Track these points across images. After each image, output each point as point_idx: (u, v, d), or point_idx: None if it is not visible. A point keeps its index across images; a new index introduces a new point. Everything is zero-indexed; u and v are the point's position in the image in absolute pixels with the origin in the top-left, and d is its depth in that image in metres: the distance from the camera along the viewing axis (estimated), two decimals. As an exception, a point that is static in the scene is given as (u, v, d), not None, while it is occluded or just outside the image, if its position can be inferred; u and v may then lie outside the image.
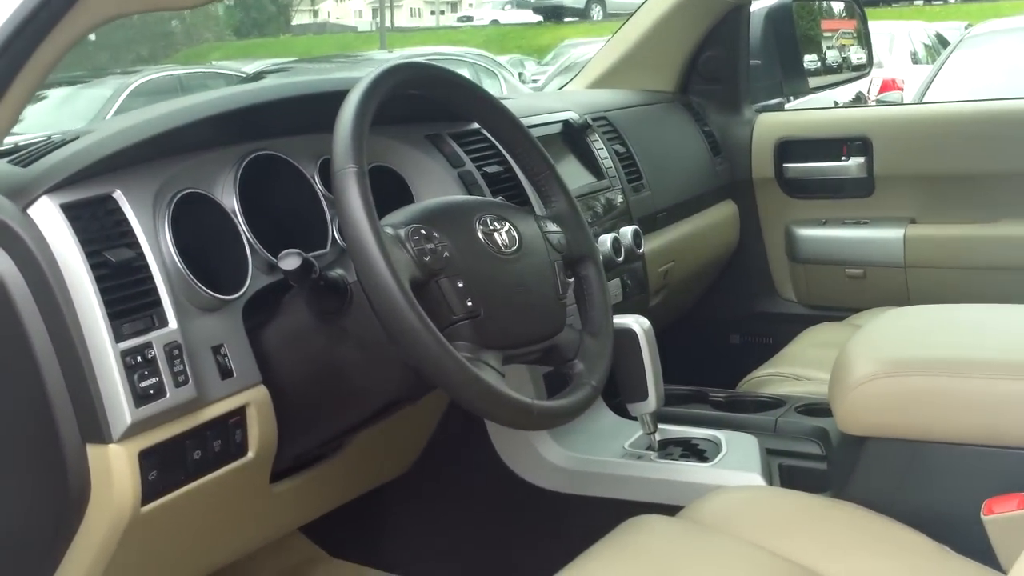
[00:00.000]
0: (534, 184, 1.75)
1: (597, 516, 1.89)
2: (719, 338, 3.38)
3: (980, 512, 1.67)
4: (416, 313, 1.34)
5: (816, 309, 3.23)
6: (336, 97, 1.75)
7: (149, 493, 1.40)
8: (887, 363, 1.81)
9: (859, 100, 8.08)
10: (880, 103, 8.03)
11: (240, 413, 1.52)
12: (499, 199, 1.89)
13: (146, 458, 1.38)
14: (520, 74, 14.98)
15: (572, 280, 1.72)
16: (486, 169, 2.05)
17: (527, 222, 1.64)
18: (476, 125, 2.12)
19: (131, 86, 9.91)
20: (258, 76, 11.42)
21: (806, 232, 3.19)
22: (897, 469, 1.81)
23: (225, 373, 1.50)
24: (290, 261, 1.42)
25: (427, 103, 1.72)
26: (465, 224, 1.54)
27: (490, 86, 10.32)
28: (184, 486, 1.45)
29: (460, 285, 1.46)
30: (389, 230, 1.43)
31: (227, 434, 1.50)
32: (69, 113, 9.08)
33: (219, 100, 1.63)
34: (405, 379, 1.56)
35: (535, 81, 15.05)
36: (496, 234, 1.56)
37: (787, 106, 3.55)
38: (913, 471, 1.80)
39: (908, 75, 10.30)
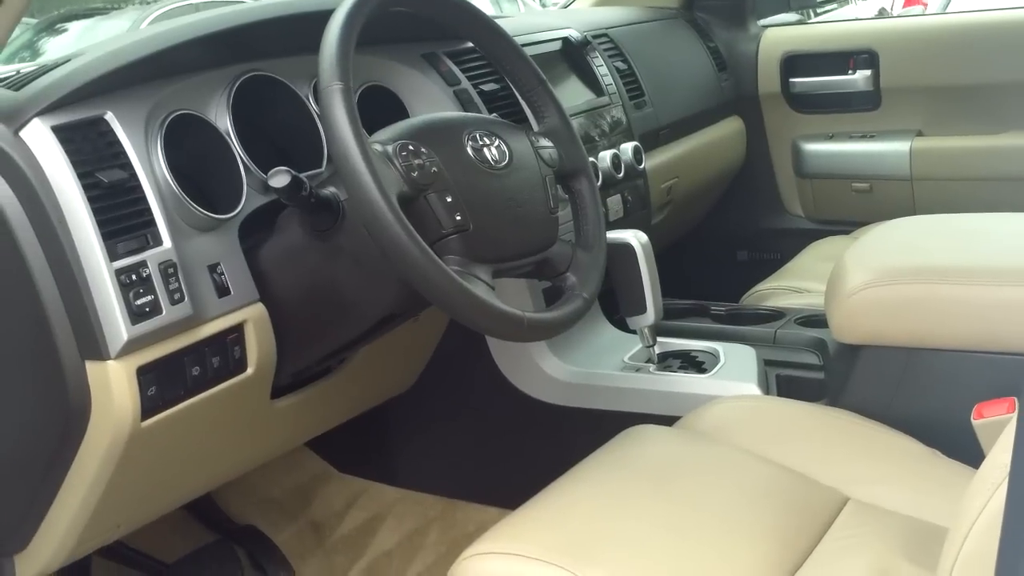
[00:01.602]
0: (526, 99, 1.76)
1: (597, 428, 1.92)
2: (727, 254, 3.39)
3: (970, 416, 1.69)
4: (403, 227, 1.36)
5: (823, 224, 3.23)
6: (323, 16, 1.76)
7: (149, 408, 1.43)
8: (880, 272, 1.82)
9: (881, 15, 7.97)
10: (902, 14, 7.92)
11: (239, 330, 1.55)
12: (492, 116, 1.90)
13: (144, 374, 1.41)
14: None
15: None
16: (482, 87, 2.05)
17: (518, 137, 1.65)
18: (470, 44, 2.12)
19: (149, 17, 9.83)
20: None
21: (812, 147, 3.18)
22: (890, 376, 1.83)
23: (222, 291, 1.52)
24: (279, 179, 1.43)
25: (422, 22, 1.72)
26: (454, 140, 1.55)
27: (509, 9, 10.23)
28: (183, 401, 1.49)
29: (449, 199, 1.47)
30: (377, 146, 1.44)
31: (226, 351, 1.53)
32: (89, 45, 9.03)
33: (210, 20, 1.64)
34: (400, 293, 1.59)
35: (555, 4, 14.80)
36: (486, 149, 1.57)
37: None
38: (906, 378, 1.82)
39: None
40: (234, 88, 1.63)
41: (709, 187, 3.13)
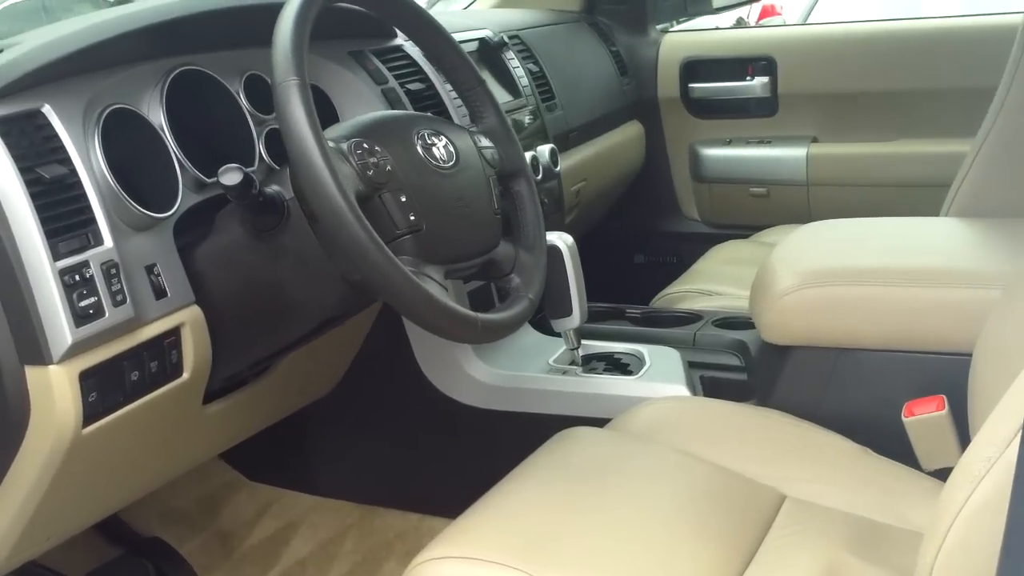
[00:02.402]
0: (465, 100, 1.74)
1: (526, 431, 1.91)
2: (624, 258, 3.42)
3: (901, 415, 1.73)
4: (364, 227, 1.33)
5: (720, 228, 3.28)
6: (261, 11, 1.72)
7: (89, 415, 1.37)
8: (809, 274, 1.86)
9: (739, 25, 8.14)
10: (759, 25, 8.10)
11: (175, 333, 1.49)
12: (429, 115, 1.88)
13: (86, 379, 1.35)
14: None
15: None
16: (408, 86, 2.03)
17: (462, 137, 1.63)
18: (398, 41, 2.10)
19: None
20: (125, -3, 10.96)
21: (711, 151, 3.23)
22: (820, 376, 1.87)
23: (159, 293, 1.47)
24: (231, 176, 1.39)
25: (348, 18, 1.69)
26: (405, 138, 1.53)
27: None
28: (123, 407, 1.43)
29: (403, 199, 1.45)
30: (331, 144, 1.41)
31: (163, 355, 1.48)
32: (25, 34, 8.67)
33: (145, 12, 1.58)
34: (343, 295, 1.56)
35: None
36: (434, 148, 1.55)
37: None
38: (835, 377, 1.86)
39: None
40: (167, 82, 1.58)
41: (611, 190, 3.16)
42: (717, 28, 3.79)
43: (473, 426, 2.11)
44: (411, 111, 1.89)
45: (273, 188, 1.48)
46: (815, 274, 1.85)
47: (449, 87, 2.13)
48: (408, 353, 2.12)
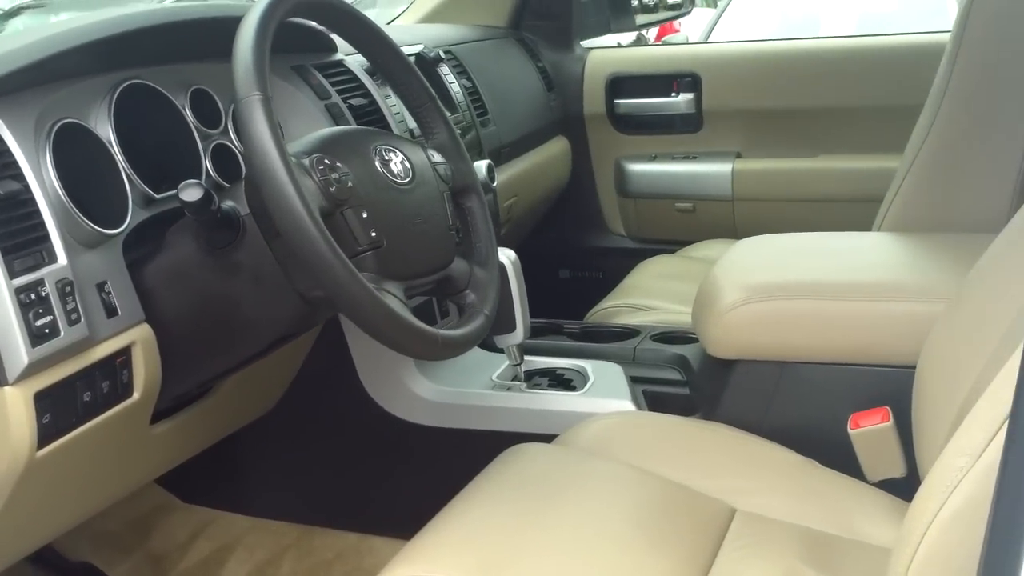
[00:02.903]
0: (415, 115, 1.74)
1: (470, 448, 1.91)
2: (549, 273, 3.43)
3: (846, 427, 1.76)
4: (328, 243, 1.31)
5: (645, 243, 3.31)
6: (206, 25, 1.69)
7: (43, 437, 1.33)
8: (754, 289, 1.88)
9: (640, 42, 8.25)
10: (666, 42, 8.22)
11: (126, 352, 1.46)
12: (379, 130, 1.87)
13: (40, 400, 1.31)
14: None
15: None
16: (351, 101, 2.01)
17: (416, 152, 1.63)
18: (339, 56, 2.08)
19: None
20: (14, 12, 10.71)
21: (636, 167, 3.26)
22: (765, 389, 1.89)
23: (110, 311, 1.43)
24: (192, 192, 1.37)
25: (290, 33, 1.68)
26: (364, 153, 1.52)
27: None
28: (76, 429, 1.39)
29: (364, 215, 1.44)
30: (292, 159, 1.39)
31: (115, 374, 1.44)
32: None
33: (92, 27, 1.55)
34: (297, 312, 1.54)
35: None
36: (391, 163, 1.54)
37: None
38: (780, 391, 1.88)
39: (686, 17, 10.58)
40: (115, 96, 1.55)
41: (539, 206, 3.17)
42: (619, 44, 3.83)
43: (417, 443, 2.10)
44: (368, 127, 1.88)
45: (228, 204, 1.46)
46: (759, 289, 1.88)
47: (391, 102, 2.12)
48: (350, 371, 2.10)
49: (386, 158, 1.54)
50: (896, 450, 1.74)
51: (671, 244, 3.12)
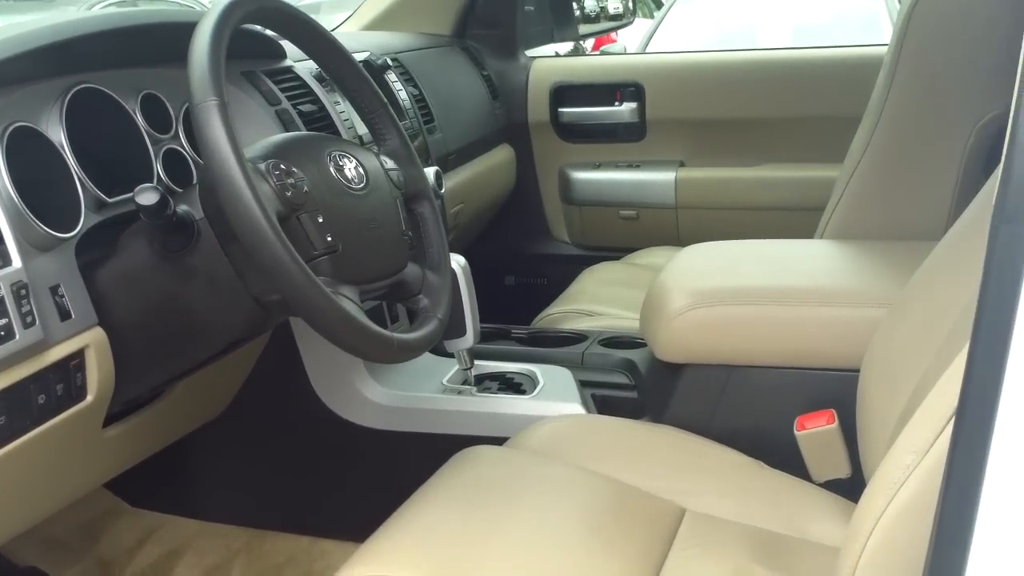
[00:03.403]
0: (367, 122, 1.75)
1: (421, 451, 1.92)
2: (494, 279, 3.45)
3: (792, 429, 1.80)
4: (286, 247, 1.32)
5: (589, 250, 3.34)
6: (157, 30, 1.69)
7: None
8: (701, 294, 1.92)
9: (577, 51, 8.31)
10: (604, 51, 8.27)
11: (80, 355, 1.46)
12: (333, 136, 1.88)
13: None
14: None
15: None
16: (300, 107, 2.02)
17: (369, 158, 1.64)
18: (288, 63, 2.09)
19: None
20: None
21: (580, 175, 3.29)
22: (712, 393, 1.93)
23: (64, 315, 1.43)
24: (148, 196, 1.37)
25: (240, 39, 1.68)
26: (319, 159, 1.53)
27: None
28: (30, 431, 1.39)
29: (320, 220, 1.45)
30: (249, 164, 1.40)
31: (68, 377, 1.44)
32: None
33: (43, 31, 1.54)
34: (252, 316, 1.54)
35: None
36: (346, 169, 1.55)
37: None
38: (727, 394, 1.92)
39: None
40: (66, 101, 1.55)
41: (485, 213, 3.19)
42: (557, 53, 3.85)
43: (368, 447, 2.10)
44: (322, 133, 1.89)
45: (183, 208, 1.47)
46: (706, 294, 1.91)
47: (341, 108, 2.13)
48: (301, 374, 2.10)
49: (340, 164, 1.55)
50: (841, 451, 1.78)
51: (615, 251, 3.15)
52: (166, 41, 1.78)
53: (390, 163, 1.68)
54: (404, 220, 1.65)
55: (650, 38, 7.90)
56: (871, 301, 1.83)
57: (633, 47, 8.56)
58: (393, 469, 1.96)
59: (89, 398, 1.49)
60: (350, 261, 1.48)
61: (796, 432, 1.79)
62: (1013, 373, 0.88)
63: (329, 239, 1.45)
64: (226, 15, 1.44)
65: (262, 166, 1.42)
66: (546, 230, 3.41)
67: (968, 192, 2.14)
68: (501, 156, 3.21)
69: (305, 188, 1.45)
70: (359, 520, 1.65)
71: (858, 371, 1.71)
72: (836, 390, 1.82)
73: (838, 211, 2.21)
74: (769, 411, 1.89)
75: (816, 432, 1.77)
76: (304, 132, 1.83)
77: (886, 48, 2.63)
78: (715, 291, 1.92)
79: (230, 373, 2.07)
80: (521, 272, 3.43)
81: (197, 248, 1.48)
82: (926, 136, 2.12)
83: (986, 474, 0.89)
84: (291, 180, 1.44)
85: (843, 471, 1.79)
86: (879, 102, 2.14)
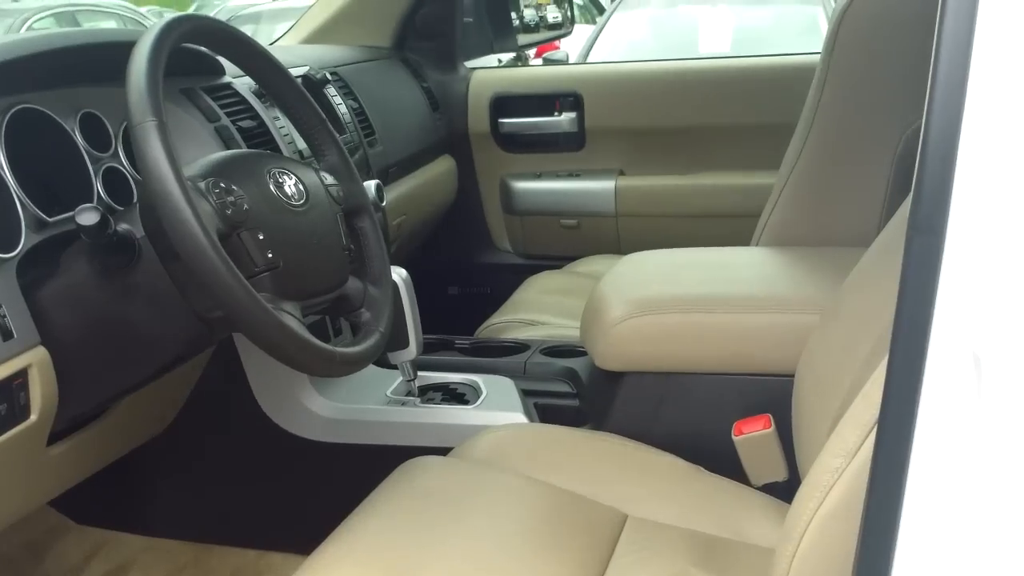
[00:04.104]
0: (306, 138, 1.77)
1: (367, 463, 1.93)
2: (438, 289, 3.46)
3: (730, 434, 1.83)
4: (227, 265, 1.34)
5: (531, 259, 3.37)
6: (94, 50, 1.70)
7: None
8: (639, 303, 1.95)
9: (519, 58, 8.30)
10: (546, 58, 8.30)
11: (23, 375, 1.46)
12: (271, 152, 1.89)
13: None
14: None
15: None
16: (240, 124, 2.03)
17: (308, 174, 1.65)
18: (226, 79, 2.10)
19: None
20: None
21: (521, 185, 3.32)
22: (652, 400, 1.96)
23: (6, 335, 1.43)
24: (88, 216, 1.38)
25: (178, 56, 1.69)
26: (259, 177, 1.54)
27: None
28: None
29: (260, 237, 1.46)
30: (188, 183, 1.41)
31: (12, 397, 1.44)
32: None
33: None
34: (194, 332, 1.56)
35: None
36: (285, 186, 1.57)
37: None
38: (667, 401, 1.95)
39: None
40: (4, 122, 1.55)
41: (427, 224, 3.20)
42: (500, 61, 3.87)
43: (313, 460, 2.11)
44: (259, 150, 1.90)
45: (123, 227, 1.48)
46: (644, 303, 1.94)
47: (280, 124, 2.14)
48: (244, 388, 2.11)
49: (280, 181, 1.57)
50: (778, 455, 1.82)
51: (557, 260, 3.18)
52: (104, 60, 1.78)
53: (330, 179, 1.70)
54: (345, 235, 1.67)
55: (592, 45, 7.94)
56: (804, 307, 1.87)
57: (575, 54, 8.61)
58: (339, 481, 1.97)
59: (33, 417, 1.49)
60: (291, 277, 1.50)
61: (734, 437, 1.82)
62: (930, 380, 0.91)
63: (270, 255, 1.47)
64: (163, 36, 1.46)
65: (202, 184, 1.44)
66: (488, 240, 3.44)
67: (897, 199, 2.19)
68: (442, 167, 3.23)
69: (245, 206, 1.46)
70: (306, 533, 1.66)
71: (793, 376, 1.75)
72: (772, 395, 1.85)
73: (773, 218, 2.25)
74: (707, 417, 1.92)
75: (753, 437, 1.81)
76: (244, 150, 1.84)
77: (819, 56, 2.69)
78: (653, 300, 1.95)
79: (174, 388, 2.07)
80: (464, 282, 3.45)
81: (138, 266, 1.49)
82: (856, 144, 2.17)
83: (908, 476, 0.93)
84: (231, 198, 1.45)
85: (780, 474, 1.83)
86: (811, 110, 2.19)
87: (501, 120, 3.30)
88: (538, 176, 3.31)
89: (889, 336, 1.44)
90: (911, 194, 0.91)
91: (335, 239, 1.64)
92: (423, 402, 2.11)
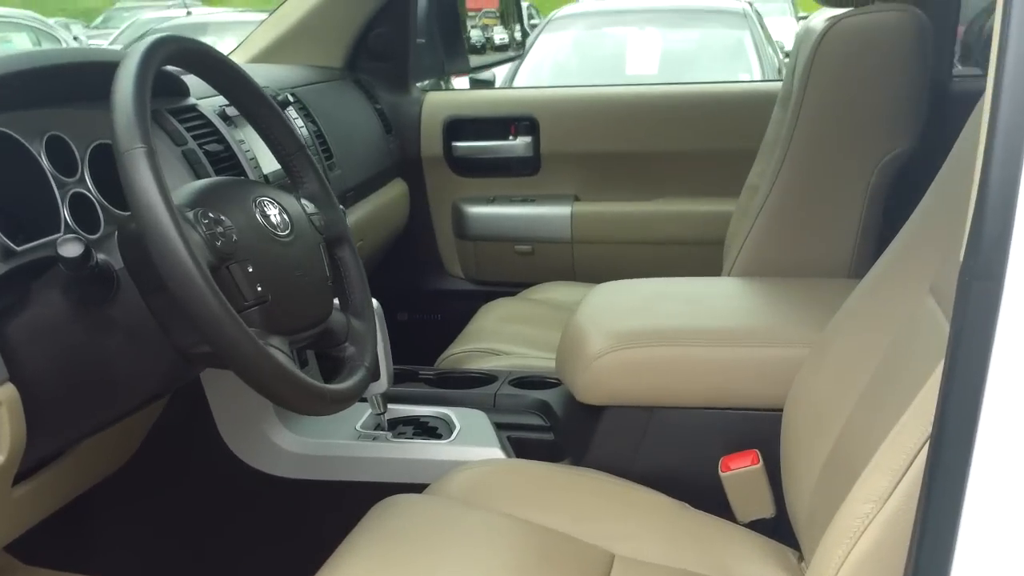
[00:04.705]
0: (284, 164, 1.71)
1: (339, 500, 1.87)
2: (387, 316, 3.39)
3: (715, 469, 1.80)
4: (219, 300, 1.28)
5: (484, 285, 3.32)
6: (64, 70, 1.62)
7: None
8: (621, 336, 1.91)
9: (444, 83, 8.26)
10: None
11: None
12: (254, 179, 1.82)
13: None
14: (76, 38, 14.00)
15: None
16: (207, 147, 1.96)
17: (291, 202, 1.60)
18: (192, 101, 2.02)
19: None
20: None
21: (474, 210, 3.27)
22: (634, 434, 1.92)
23: None
24: (71, 248, 1.31)
25: None
26: (246, 206, 1.48)
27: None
28: None
29: (250, 270, 1.40)
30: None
31: None
32: None
33: None
34: (173, 367, 1.49)
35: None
36: (271, 216, 1.51)
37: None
38: (650, 435, 1.91)
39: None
40: None
41: (380, 249, 3.14)
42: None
43: (281, 498, 2.04)
44: (243, 178, 1.84)
45: (101, 258, 1.40)
46: (627, 336, 1.90)
47: (246, 147, 2.08)
48: (208, 422, 2.03)
49: (266, 210, 1.51)
50: (766, 491, 1.79)
51: (511, 286, 3.13)
52: (71, 81, 1.70)
53: (311, 207, 1.64)
54: (328, 265, 1.61)
55: (517, 68, 7.92)
56: (792, 341, 1.85)
57: (502, 76, 8.60)
58: (310, 519, 1.90)
59: (0, 459, 1.40)
60: (279, 311, 1.44)
61: (721, 473, 1.79)
62: (986, 426, 0.89)
63: (259, 289, 1.41)
64: (148, 57, 1.39)
65: (190, 214, 1.37)
66: (439, 265, 3.38)
67: (870, 230, 2.19)
68: (395, 191, 3.17)
69: (234, 237, 1.40)
70: (276, 574, 1.59)
71: (780, 411, 1.72)
72: (758, 430, 1.83)
73: (746, 248, 2.23)
74: (692, 452, 1.89)
75: (741, 473, 1.78)
76: (226, 177, 1.77)
77: (779, 83, 2.69)
78: (636, 332, 1.92)
79: (135, 422, 1.98)
80: (414, 308, 3.39)
81: (116, 299, 1.42)
82: (832, 174, 2.16)
83: (960, 524, 0.91)
84: (220, 229, 1.39)
85: (767, 511, 1.80)
86: (785, 139, 2.17)
87: (454, 143, 3.25)
88: (491, 200, 3.26)
89: (887, 373, 1.42)
90: (966, 240, 0.89)
91: (319, 270, 1.58)
92: (394, 436, 2.04)
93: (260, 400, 1.98)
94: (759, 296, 2.10)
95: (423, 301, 3.37)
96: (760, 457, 1.79)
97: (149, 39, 1.44)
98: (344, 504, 1.75)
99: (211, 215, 1.39)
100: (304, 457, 2.03)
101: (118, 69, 1.37)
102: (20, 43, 10.17)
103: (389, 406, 2.11)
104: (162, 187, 1.28)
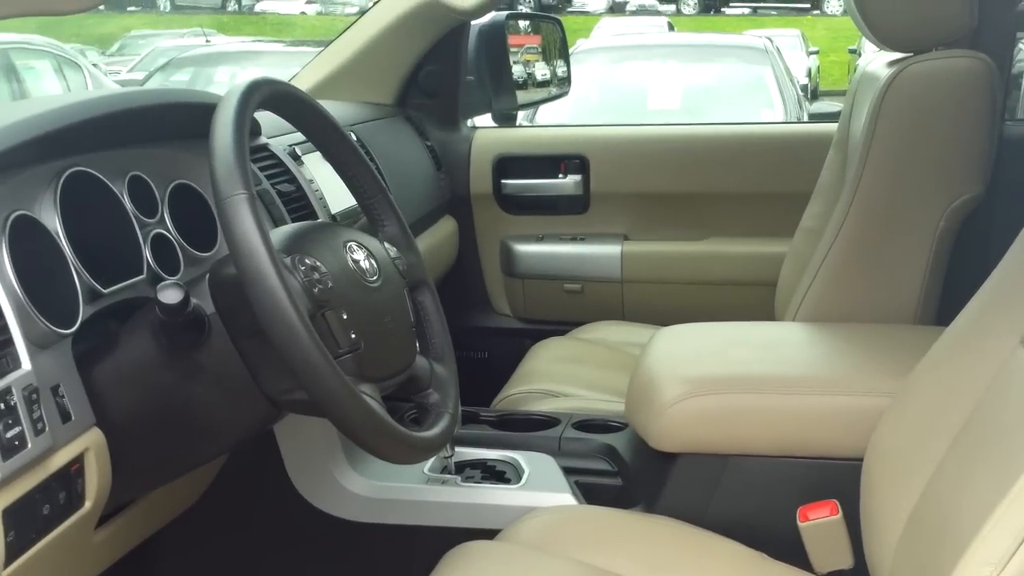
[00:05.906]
0: (365, 207, 1.71)
1: (407, 545, 1.85)
2: None
3: (795, 519, 1.77)
4: (320, 349, 1.28)
5: (533, 323, 3.30)
6: (144, 112, 1.62)
7: (9, 556, 1.23)
8: (697, 382, 1.89)
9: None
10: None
11: (79, 460, 1.37)
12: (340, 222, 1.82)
13: (7, 517, 1.22)
14: (96, 65, 14.02)
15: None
16: (279, 187, 1.95)
17: (376, 246, 1.59)
18: (263, 140, 2.02)
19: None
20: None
21: (523, 248, 3.25)
22: (708, 482, 1.90)
23: (64, 416, 1.34)
24: (172, 294, 1.31)
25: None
26: (337, 251, 1.47)
27: (75, 79, 9.85)
28: (35, 545, 1.29)
29: (344, 317, 1.40)
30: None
31: (70, 484, 1.35)
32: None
33: (36, 120, 1.46)
34: (261, 413, 1.48)
35: (114, 74, 14.19)
36: (361, 261, 1.51)
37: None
38: (724, 484, 1.89)
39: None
40: (59, 185, 1.46)
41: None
42: (523, 125, 3.83)
43: (350, 541, 2.02)
44: (332, 222, 1.83)
45: (194, 302, 1.40)
46: (703, 382, 1.88)
47: (315, 187, 2.07)
48: (277, 464, 2.01)
49: (355, 256, 1.50)
50: (845, 542, 1.76)
51: (560, 325, 3.11)
52: (151, 121, 1.71)
53: (393, 251, 1.64)
54: (411, 311, 1.61)
55: (536, 112, 7.92)
56: (870, 390, 1.83)
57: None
58: (377, 564, 1.88)
59: (87, 504, 1.40)
60: (371, 358, 1.44)
61: (799, 523, 1.76)
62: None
63: (353, 336, 1.40)
64: (244, 101, 1.39)
65: (288, 260, 1.37)
66: (487, 303, 3.36)
67: (936, 275, 2.17)
68: (446, 228, 3.16)
69: (330, 283, 1.40)
70: None
71: (859, 460, 1.70)
72: (837, 480, 1.81)
73: (812, 292, 2.21)
74: (768, 501, 1.86)
75: (820, 523, 1.75)
76: (317, 221, 1.77)
77: (832, 126, 2.68)
78: (712, 379, 1.90)
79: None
80: (462, 345, 3.33)
81: (208, 345, 1.41)
82: (901, 219, 2.15)
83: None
84: (316, 275, 1.39)
85: (846, 562, 1.78)
86: (852, 184, 2.16)
87: (504, 181, 3.24)
88: (540, 239, 3.25)
89: (980, 422, 1.40)
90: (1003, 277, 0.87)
91: (405, 316, 1.58)
92: (463, 480, 2.02)
93: (328, 442, 1.98)
94: (833, 343, 2.08)
95: (471, 338, 3.35)
96: (839, 507, 1.76)
97: (244, 83, 1.44)
98: (413, 549, 1.73)
99: (307, 261, 1.39)
100: (372, 500, 2.01)
101: (216, 114, 1.37)
102: (43, 69, 10.19)
103: (458, 449, 2.09)
104: (264, 234, 1.28)
